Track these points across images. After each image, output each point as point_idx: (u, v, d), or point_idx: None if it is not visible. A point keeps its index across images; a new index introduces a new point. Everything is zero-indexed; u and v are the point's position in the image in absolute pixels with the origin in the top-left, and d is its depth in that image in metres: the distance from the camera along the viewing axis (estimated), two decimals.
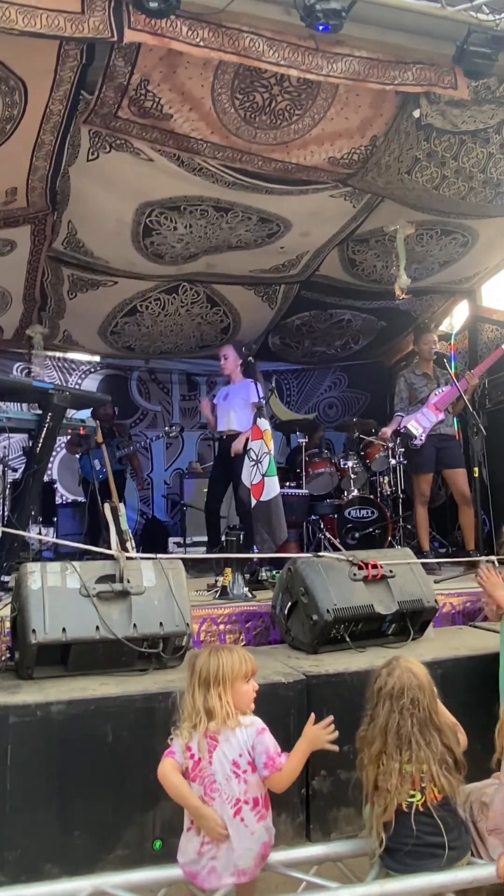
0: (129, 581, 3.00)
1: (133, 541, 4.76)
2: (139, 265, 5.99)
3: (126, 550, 4.45)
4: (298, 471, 6.30)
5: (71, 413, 4.95)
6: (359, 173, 4.84)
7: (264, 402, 4.70)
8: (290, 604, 3.43)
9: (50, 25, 3.28)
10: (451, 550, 6.23)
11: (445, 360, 5.79)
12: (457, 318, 7.67)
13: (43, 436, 4.33)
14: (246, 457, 4.40)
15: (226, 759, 2.14)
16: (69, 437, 6.87)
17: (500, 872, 2.15)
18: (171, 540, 6.67)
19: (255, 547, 4.34)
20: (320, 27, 3.30)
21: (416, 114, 4.16)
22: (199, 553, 5.88)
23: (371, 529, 6.10)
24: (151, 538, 7.20)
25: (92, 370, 8.31)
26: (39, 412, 4.41)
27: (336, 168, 4.77)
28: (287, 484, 6.27)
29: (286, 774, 2.16)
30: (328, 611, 3.22)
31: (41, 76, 3.91)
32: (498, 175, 4.69)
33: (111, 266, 6.04)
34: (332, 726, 2.25)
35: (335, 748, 2.25)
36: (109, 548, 4.05)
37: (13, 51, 3.66)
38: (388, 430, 5.96)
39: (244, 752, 2.15)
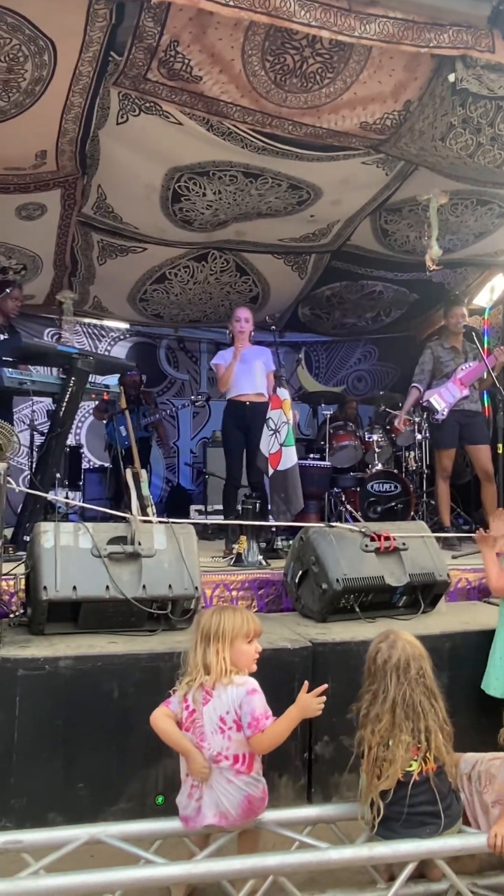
0: (140, 543, 3.04)
1: (154, 506, 4.82)
2: (168, 231, 5.97)
3: (146, 515, 4.53)
4: (322, 443, 6.28)
5: (98, 379, 5.01)
6: (391, 139, 4.73)
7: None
8: (301, 572, 3.45)
9: None
10: (474, 527, 6.17)
11: (475, 335, 5.67)
12: (496, 291, 7.51)
13: (66, 400, 4.39)
14: (265, 426, 4.39)
15: (215, 713, 2.19)
16: (97, 403, 6.95)
17: (491, 842, 2.16)
18: (193, 507, 6.73)
19: (270, 516, 4.35)
20: None
21: (452, 78, 4.02)
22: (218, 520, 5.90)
23: (394, 504, 6.06)
24: (175, 505, 7.27)
25: (121, 337, 8.34)
26: (64, 376, 4.47)
27: (368, 133, 4.66)
28: (311, 456, 6.27)
29: (268, 736, 2.18)
30: (338, 580, 3.23)
31: (70, 37, 3.88)
32: None
33: (140, 232, 6.03)
34: (324, 697, 2.27)
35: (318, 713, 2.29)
36: (130, 512, 4.11)
37: (42, 10, 3.64)
38: (400, 426, 5.93)
39: (231, 710, 2.18)
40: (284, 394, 4.38)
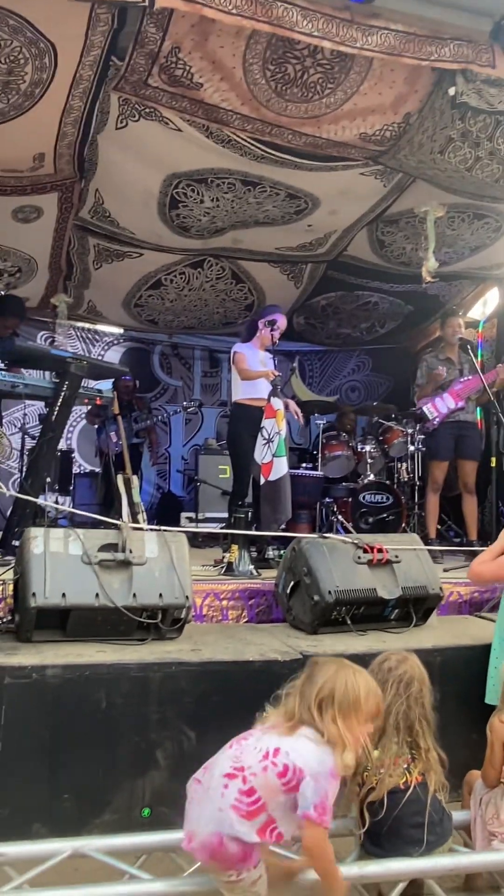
0: (131, 551, 3.01)
1: (145, 513, 4.78)
2: (165, 238, 5.96)
3: (137, 522, 4.49)
4: (315, 452, 6.27)
5: (91, 383, 4.97)
6: (391, 151, 4.74)
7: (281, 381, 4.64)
8: (292, 583, 3.42)
9: None
10: (465, 541, 6.17)
11: (470, 348, 5.68)
12: (489, 305, 7.54)
13: (59, 403, 4.35)
14: (259, 435, 4.37)
15: (270, 742, 1.93)
16: (90, 407, 6.92)
17: None
18: (184, 515, 6.69)
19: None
20: None
21: (452, 91, 4.04)
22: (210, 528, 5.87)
23: (385, 515, 6.05)
24: (166, 512, 7.23)
25: (115, 342, 8.32)
26: (57, 380, 4.44)
27: (367, 145, 4.67)
28: (303, 465, 6.25)
29: (320, 851, 1.88)
30: (330, 592, 3.20)
31: (71, 40, 3.86)
32: None
33: (137, 237, 6.02)
34: None
35: None
36: (121, 518, 4.07)
37: (44, 13, 3.62)
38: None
39: (291, 756, 1.87)
40: (278, 403, 4.35)
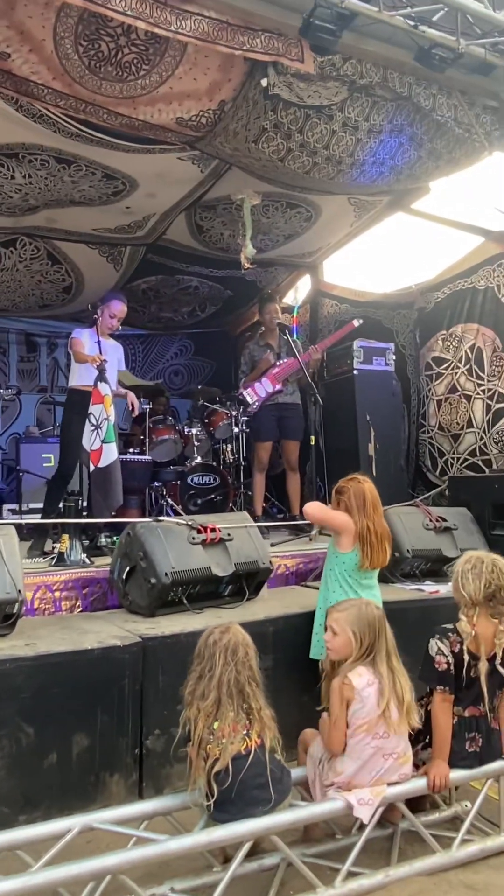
0: None
1: None
2: None
3: None
4: (142, 437, 6.25)
5: None
6: (207, 137, 4.80)
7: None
8: (128, 568, 3.42)
9: None
10: (288, 516, 6.47)
11: (287, 332, 5.94)
12: (301, 291, 7.90)
13: None
14: (87, 421, 4.28)
15: None
16: None
17: (431, 784, 2.50)
18: (6, 507, 6.39)
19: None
20: None
21: (264, 83, 4.16)
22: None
23: (213, 496, 6.18)
24: None
25: None
26: None
27: (184, 129, 4.69)
28: (130, 450, 6.21)
29: None
30: (166, 574, 3.24)
31: None
32: (340, 153, 4.81)
33: None
34: None
35: None
36: None
37: None
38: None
39: None
40: (106, 389, 4.29)
